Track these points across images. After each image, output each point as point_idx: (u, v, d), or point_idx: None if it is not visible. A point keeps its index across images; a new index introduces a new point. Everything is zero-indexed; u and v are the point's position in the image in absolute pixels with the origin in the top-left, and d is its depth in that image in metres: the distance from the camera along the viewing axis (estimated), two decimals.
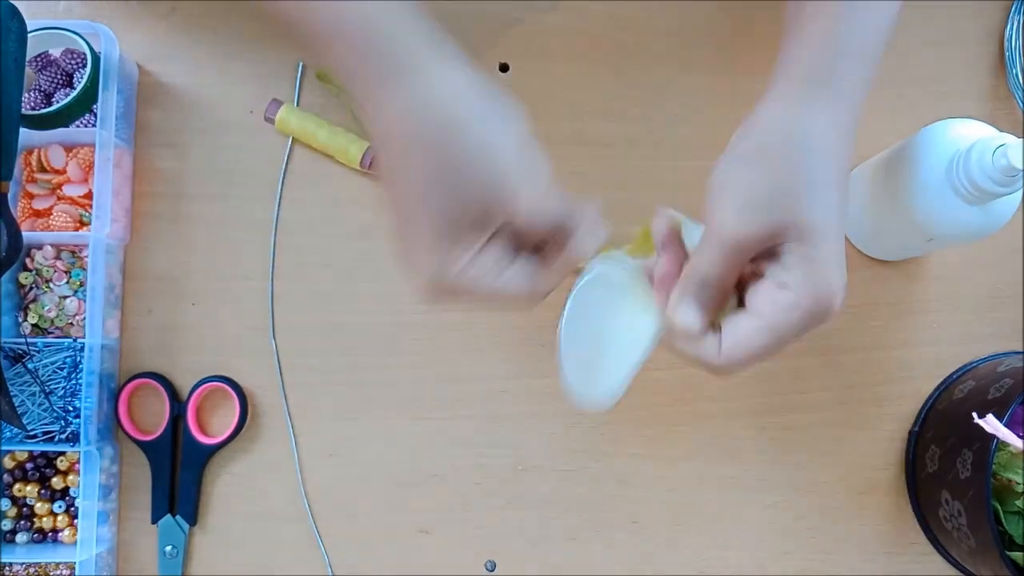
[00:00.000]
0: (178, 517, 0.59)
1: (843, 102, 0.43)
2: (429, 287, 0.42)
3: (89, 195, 0.60)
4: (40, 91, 0.60)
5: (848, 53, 0.44)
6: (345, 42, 0.41)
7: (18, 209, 0.60)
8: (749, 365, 0.42)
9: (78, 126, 0.60)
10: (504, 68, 0.63)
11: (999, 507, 0.51)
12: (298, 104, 0.62)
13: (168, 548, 0.59)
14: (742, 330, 0.42)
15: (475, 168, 0.41)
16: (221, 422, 0.61)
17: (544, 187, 0.43)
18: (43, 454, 0.59)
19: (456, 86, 0.41)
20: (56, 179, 0.60)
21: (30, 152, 0.61)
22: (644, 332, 0.45)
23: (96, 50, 0.59)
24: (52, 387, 0.58)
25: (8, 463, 0.59)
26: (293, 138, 0.62)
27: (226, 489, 0.60)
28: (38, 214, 0.60)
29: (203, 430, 0.60)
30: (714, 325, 0.43)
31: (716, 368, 0.43)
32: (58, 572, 0.58)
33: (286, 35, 0.44)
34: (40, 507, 0.59)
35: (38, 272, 0.59)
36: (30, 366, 0.58)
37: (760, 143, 0.42)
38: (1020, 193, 0.49)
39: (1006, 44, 0.63)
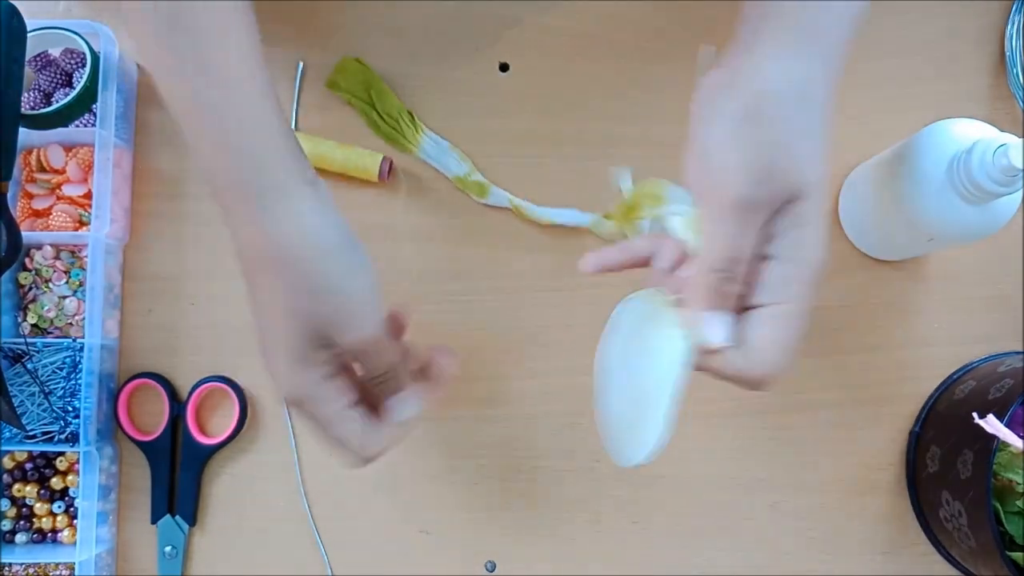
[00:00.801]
0: (177, 517, 0.59)
1: (831, 57, 0.40)
2: (287, 396, 0.45)
3: (88, 195, 0.60)
4: (39, 91, 0.60)
5: (830, 10, 0.40)
6: (219, 156, 0.42)
7: (17, 209, 0.60)
8: (788, 361, 0.39)
9: (77, 126, 0.60)
10: (504, 68, 0.63)
11: (1000, 507, 0.51)
12: (298, 103, 0.62)
13: (168, 548, 0.59)
14: (767, 329, 0.39)
15: (321, 298, 0.43)
16: (221, 422, 0.61)
17: (377, 330, 0.45)
18: (42, 454, 0.59)
19: (316, 220, 0.43)
20: (55, 179, 0.60)
21: (29, 152, 0.61)
22: (667, 370, 0.41)
23: (96, 50, 0.59)
24: (51, 387, 0.58)
25: (7, 463, 0.59)
26: None
27: (226, 489, 0.60)
28: (37, 214, 0.60)
29: (203, 430, 0.60)
30: None
31: (758, 379, 0.40)
32: (57, 572, 0.58)
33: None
34: (39, 507, 0.59)
35: (37, 272, 0.59)
36: (29, 366, 0.57)
37: (755, 98, 0.39)
38: (1020, 193, 0.49)
39: (1006, 44, 0.63)
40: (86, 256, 0.59)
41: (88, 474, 0.56)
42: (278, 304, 0.43)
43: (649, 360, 0.41)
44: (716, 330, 0.40)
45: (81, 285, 0.59)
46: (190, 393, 0.60)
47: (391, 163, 0.61)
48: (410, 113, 0.62)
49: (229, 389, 0.60)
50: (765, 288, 0.39)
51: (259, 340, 0.44)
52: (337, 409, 0.45)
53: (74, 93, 0.58)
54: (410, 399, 0.48)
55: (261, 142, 0.42)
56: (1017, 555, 0.50)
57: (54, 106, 0.59)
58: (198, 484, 0.59)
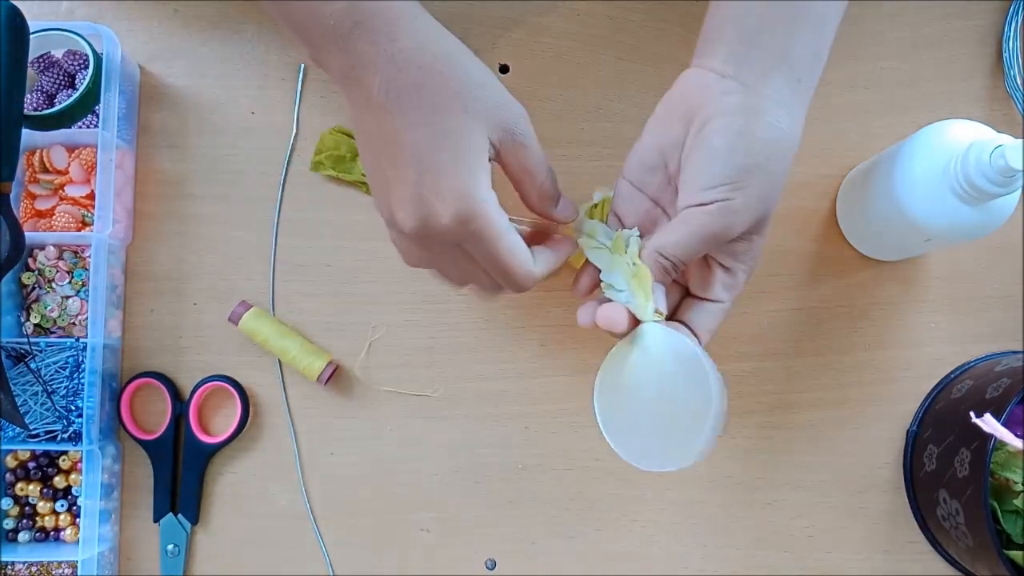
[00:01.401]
0: (180, 516, 0.60)
1: (802, 89, 0.45)
2: (461, 209, 0.42)
3: (91, 196, 0.60)
4: (42, 92, 0.61)
5: (802, 29, 0.45)
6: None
7: (20, 209, 0.61)
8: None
9: (80, 127, 0.61)
10: (504, 68, 0.63)
11: (997, 506, 0.51)
12: (299, 104, 0.63)
13: (170, 547, 0.59)
14: (707, 320, 0.47)
15: (489, 89, 0.43)
16: (223, 422, 0.61)
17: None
18: (45, 453, 0.59)
19: (444, 29, 0.44)
20: (58, 180, 0.61)
21: (32, 153, 0.61)
22: (702, 382, 0.44)
23: (98, 51, 0.60)
24: (54, 387, 0.58)
25: (10, 462, 0.60)
26: (294, 140, 0.62)
27: (228, 488, 0.61)
28: (40, 214, 0.61)
29: (205, 429, 0.61)
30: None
31: None
32: (60, 571, 0.58)
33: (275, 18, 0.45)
34: (42, 506, 0.59)
35: (40, 272, 0.59)
36: (32, 366, 0.58)
37: (756, 149, 0.43)
38: (1018, 193, 0.49)
39: (1004, 46, 0.63)
40: (89, 256, 0.59)
41: (91, 473, 0.57)
42: (452, 106, 0.42)
43: (680, 375, 0.45)
44: (659, 296, 0.46)
45: (84, 285, 0.60)
46: (192, 392, 0.60)
47: (334, 370, 0.60)
48: None
49: (231, 388, 0.60)
50: (715, 288, 0.47)
51: (414, 170, 0.42)
52: (506, 220, 0.44)
53: (77, 94, 0.59)
54: (569, 204, 0.48)
55: None
56: (1015, 553, 0.50)
57: (57, 107, 0.59)
58: (200, 483, 0.60)
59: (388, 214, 0.44)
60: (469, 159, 0.42)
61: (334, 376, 0.60)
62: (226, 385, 0.60)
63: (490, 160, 0.44)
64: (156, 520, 0.60)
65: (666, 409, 0.45)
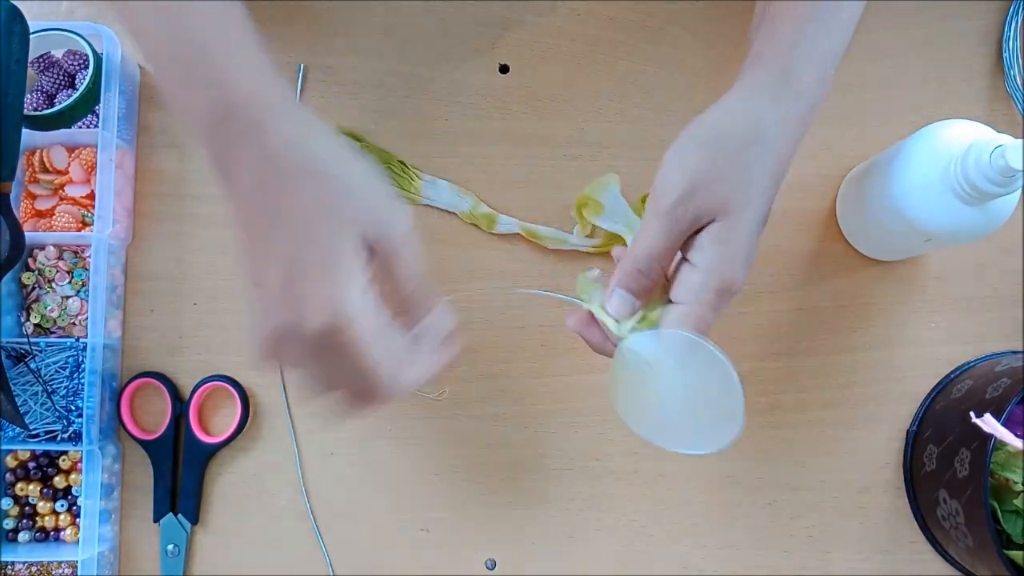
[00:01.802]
0: (180, 516, 0.60)
1: (799, 98, 0.45)
2: (329, 314, 0.40)
3: (91, 196, 0.60)
4: (42, 92, 0.61)
5: (810, 53, 0.45)
6: (224, 90, 0.41)
7: (20, 209, 0.61)
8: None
9: (80, 127, 0.61)
10: (504, 69, 0.63)
11: (997, 506, 0.51)
12: (300, 99, 0.62)
13: (170, 547, 0.59)
14: (671, 320, 0.45)
15: (359, 197, 0.42)
16: (223, 421, 0.61)
17: (411, 226, 0.44)
18: (45, 453, 0.59)
19: (326, 129, 0.43)
20: (58, 180, 0.61)
21: (32, 153, 0.61)
22: (727, 374, 0.45)
23: (98, 51, 0.60)
24: (54, 387, 0.58)
25: (10, 462, 0.60)
26: None
27: (227, 489, 0.61)
28: (40, 214, 0.61)
29: (205, 429, 0.61)
30: (646, 320, 0.46)
31: None
32: (60, 571, 0.58)
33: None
34: (42, 506, 0.59)
35: (40, 272, 0.59)
36: (32, 366, 0.58)
37: (711, 129, 0.45)
38: (1018, 193, 0.49)
39: (1004, 46, 0.63)
40: (89, 256, 0.59)
41: (91, 473, 0.57)
42: (319, 213, 0.41)
43: (705, 369, 0.45)
44: (613, 302, 0.46)
45: (84, 285, 0.60)
46: (192, 392, 0.60)
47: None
48: (401, 163, 0.62)
49: (231, 388, 0.60)
50: (678, 289, 0.45)
51: (285, 265, 0.41)
52: (380, 323, 0.42)
53: (77, 94, 0.59)
54: (445, 312, 0.46)
55: (262, 60, 0.43)
56: (1014, 554, 0.50)
57: (57, 107, 0.59)
58: (200, 483, 0.60)
59: (260, 311, 0.42)
60: (338, 266, 0.41)
61: None
62: (226, 385, 0.60)
63: (369, 261, 0.43)
64: (156, 520, 0.60)
65: (692, 401, 0.47)
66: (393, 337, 0.43)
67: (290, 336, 0.41)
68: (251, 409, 0.60)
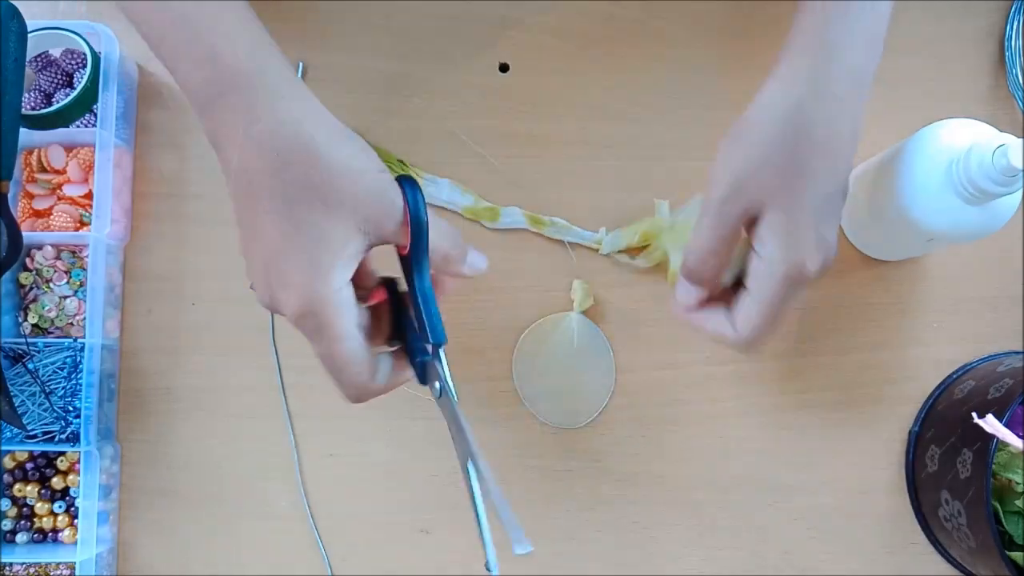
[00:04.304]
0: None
1: (841, 74, 0.45)
2: (310, 299, 0.41)
3: (89, 195, 0.60)
4: (40, 91, 0.60)
5: (844, 27, 0.45)
6: (216, 67, 0.41)
7: (18, 209, 0.60)
8: (759, 338, 0.47)
9: (78, 126, 0.61)
10: (504, 68, 0.63)
11: (999, 507, 0.51)
12: None
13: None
14: (742, 307, 0.47)
15: (359, 178, 0.41)
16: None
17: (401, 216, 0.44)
18: (43, 454, 0.59)
19: (323, 108, 0.43)
20: (56, 179, 0.61)
21: (30, 152, 0.61)
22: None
23: (96, 50, 0.59)
24: (52, 387, 0.58)
25: (8, 463, 0.59)
26: None
27: (227, 488, 0.60)
28: (38, 214, 0.60)
29: None
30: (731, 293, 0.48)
31: (734, 344, 0.48)
32: (58, 572, 0.58)
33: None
34: (40, 507, 0.59)
35: (38, 272, 0.59)
36: (30, 366, 0.58)
37: (752, 124, 0.45)
38: (1020, 193, 0.49)
39: (1006, 44, 0.63)
40: (87, 256, 0.59)
41: (89, 474, 0.57)
42: (305, 196, 0.40)
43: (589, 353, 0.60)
44: (678, 291, 0.49)
45: (82, 285, 0.59)
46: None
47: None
48: (401, 162, 0.62)
49: None
50: (749, 279, 0.46)
51: (266, 254, 0.41)
52: (350, 325, 0.42)
53: (75, 93, 0.58)
54: (475, 253, 0.47)
55: (258, 35, 0.43)
56: (1016, 555, 0.50)
57: (55, 106, 0.59)
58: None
59: (253, 278, 0.43)
60: (321, 254, 0.40)
61: None
62: None
63: (368, 248, 0.42)
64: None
65: (575, 379, 0.60)
66: (361, 340, 0.43)
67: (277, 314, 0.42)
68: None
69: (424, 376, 0.47)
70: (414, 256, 0.44)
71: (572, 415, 0.60)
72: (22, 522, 0.59)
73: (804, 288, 0.45)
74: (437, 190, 0.61)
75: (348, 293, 0.42)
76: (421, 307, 0.45)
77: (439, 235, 0.45)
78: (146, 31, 0.43)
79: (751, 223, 0.45)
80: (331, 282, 0.41)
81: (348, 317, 0.42)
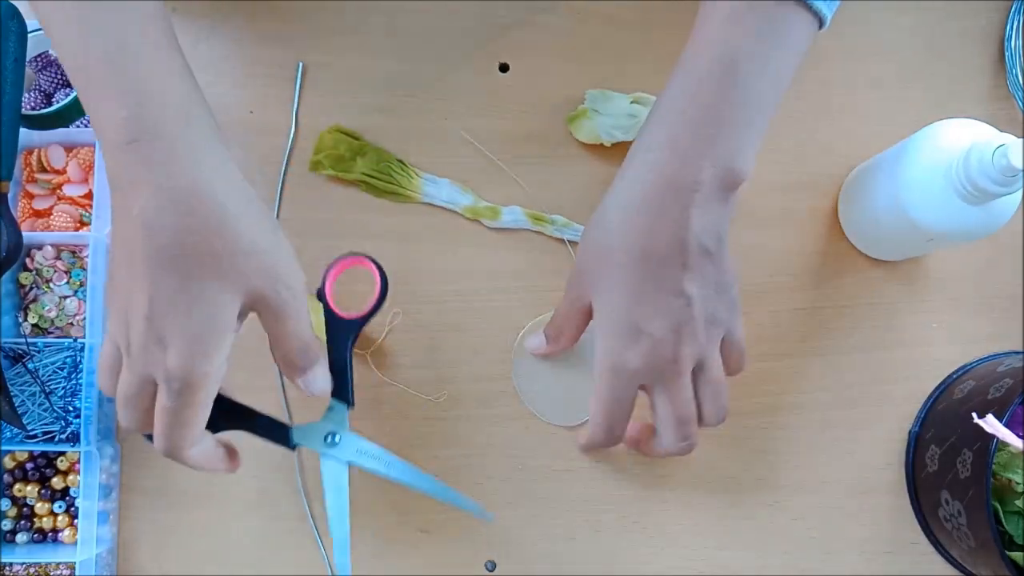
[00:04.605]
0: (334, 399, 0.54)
1: (634, 179, 0.47)
2: (171, 375, 0.41)
3: (89, 195, 0.60)
4: (40, 91, 0.60)
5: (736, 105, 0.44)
6: (143, 109, 0.40)
7: (18, 209, 0.60)
8: (594, 435, 0.51)
9: (78, 126, 0.61)
10: (504, 68, 0.63)
11: (999, 507, 0.51)
12: (298, 103, 0.62)
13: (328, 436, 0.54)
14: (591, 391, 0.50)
15: (257, 257, 0.42)
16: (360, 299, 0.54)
17: (303, 290, 0.45)
18: (43, 454, 0.59)
19: (240, 176, 0.43)
20: (56, 179, 0.61)
21: (30, 152, 0.61)
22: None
23: None
24: (52, 387, 0.58)
25: (8, 463, 0.59)
26: (293, 139, 0.62)
27: (226, 488, 0.60)
28: (38, 214, 0.60)
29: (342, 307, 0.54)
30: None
31: (581, 446, 0.55)
32: (58, 572, 0.58)
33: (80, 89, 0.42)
34: (40, 507, 0.59)
35: (38, 272, 0.59)
36: (30, 366, 0.58)
37: (603, 205, 0.48)
38: (1020, 193, 0.49)
39: (1006, 44, 0.63)
40: (87, 256, 0.59)
41: (89, 474, 0.57)
42: (207, 268, 0.40)
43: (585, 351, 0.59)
44: (531, 340, 0.57)
45: (82, 285, 0.59)
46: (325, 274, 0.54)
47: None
48: (400, 161, 0.61)
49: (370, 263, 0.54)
50: None
51: (151, 305, 0.40)
52: (208, 397, 0.43)
53: (74, 94, 0.58)
54: (325, 374, 0.49)
55: (191, 85, 0.42)
56: (1016, 555, 0.50)
57: (55, 106, 0.59)
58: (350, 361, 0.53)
59: (116, 317, 0.42)
60: (211, 330, 0.41)
61: None
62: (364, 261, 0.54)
63: (240, 319, 0.44)
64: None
65: (575, 377, 0.60)
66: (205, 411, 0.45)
67: (137, 362, 0.42)
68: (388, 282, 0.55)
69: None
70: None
71: (572, 413, 0.60)
72: (22, 522, 0.59)
73: (633, 387, 0.48)
74: (437, 189, 0.61)
75: (224, 368, 0.43)
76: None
77: (292, 335, 0.46)
78: (70, 53, 0.41)
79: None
80: (215, 359, 0.42)
81: (215, 389, 0.44)
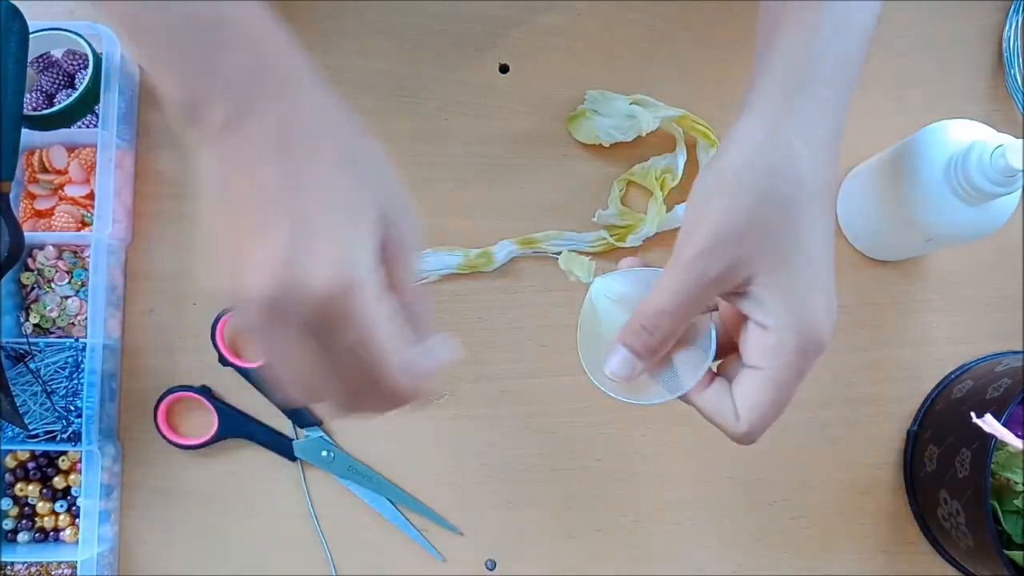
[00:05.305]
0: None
1: (824, 114, 0.40)
2: (329, 284, 0.34)
3: (91, 195, 0.60)
4: (42, 92, 0.61)
5: (827, 63, 0.41)
6: (257, 51, 0.37)
7: (20, 209, 0.61)
8: (764, 427, 0.40)
9: (80, 127, 0.61)
10: (504, 68, 0.63)
11: (997, 506, 0.51)
12: None
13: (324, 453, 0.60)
14: (748, 389, 0.40)
15: (388, 177, 0.39)
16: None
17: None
18: (45, 453, 0.59)
19: (342, 104, 0.40)
20: (58, 179, 0.61)
21: (32, 152, 0.61)
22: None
23: (98, 51, 0.60)
24: (54, 387, 0.58)
25: (10, 462, 0.59)
26: None
27: (228, 488, 0.60)
28: (40, 214, 0.61)
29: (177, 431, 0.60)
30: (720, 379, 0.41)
31: (739, 438, 0.41)
32: (59, 571, 0.58)
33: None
34: (42, 506, 0.59)
35: (40, 272, 0.59)
36: (32, 366, 0.58)
37: (735, 172, 0.39)
38: (1019, 193, 0.49)
39: (1004, 45, 0.63)
40: (88, 256, 0.59)
41: (90, 473, 0.57)
42: (350, 172, 0.36)
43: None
44: (612, 362, 0.41)
45: (83, 285, 0.60)
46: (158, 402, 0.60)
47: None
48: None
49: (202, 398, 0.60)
50: (752, 353, 0.40)
51: (292, 221, 0.35)
52: (387, 308, 0.36)
53: (76, 94, 0.58)
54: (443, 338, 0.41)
55: (278, 22, 0.38)
56: (1015, 554, 0.50)
57: (56, 107, 0.59)
58: None
59: (230, 281, 0.35)
60: (357, 228, 0.36)
61: None
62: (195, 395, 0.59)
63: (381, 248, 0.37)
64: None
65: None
66: (399, 323, 0.37)
67: (285, 304, 0.34)
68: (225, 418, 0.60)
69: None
70: None
71: (653, 390, 0.45)
72: (23, 521, 0.59)
73: (813, 363, 0.39)
74: (427, 264, 0.60)
75: (381, 276, 0.36)
76: None
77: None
78: (154, 39, 0.38)
79: (731, 288, 0.39)
80: (369, 259, 0.35)
81: (387, 302, 0.36)
